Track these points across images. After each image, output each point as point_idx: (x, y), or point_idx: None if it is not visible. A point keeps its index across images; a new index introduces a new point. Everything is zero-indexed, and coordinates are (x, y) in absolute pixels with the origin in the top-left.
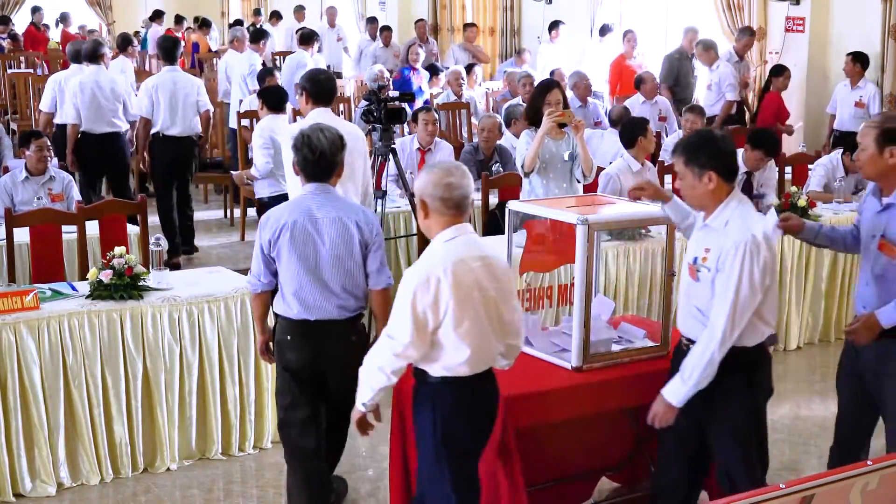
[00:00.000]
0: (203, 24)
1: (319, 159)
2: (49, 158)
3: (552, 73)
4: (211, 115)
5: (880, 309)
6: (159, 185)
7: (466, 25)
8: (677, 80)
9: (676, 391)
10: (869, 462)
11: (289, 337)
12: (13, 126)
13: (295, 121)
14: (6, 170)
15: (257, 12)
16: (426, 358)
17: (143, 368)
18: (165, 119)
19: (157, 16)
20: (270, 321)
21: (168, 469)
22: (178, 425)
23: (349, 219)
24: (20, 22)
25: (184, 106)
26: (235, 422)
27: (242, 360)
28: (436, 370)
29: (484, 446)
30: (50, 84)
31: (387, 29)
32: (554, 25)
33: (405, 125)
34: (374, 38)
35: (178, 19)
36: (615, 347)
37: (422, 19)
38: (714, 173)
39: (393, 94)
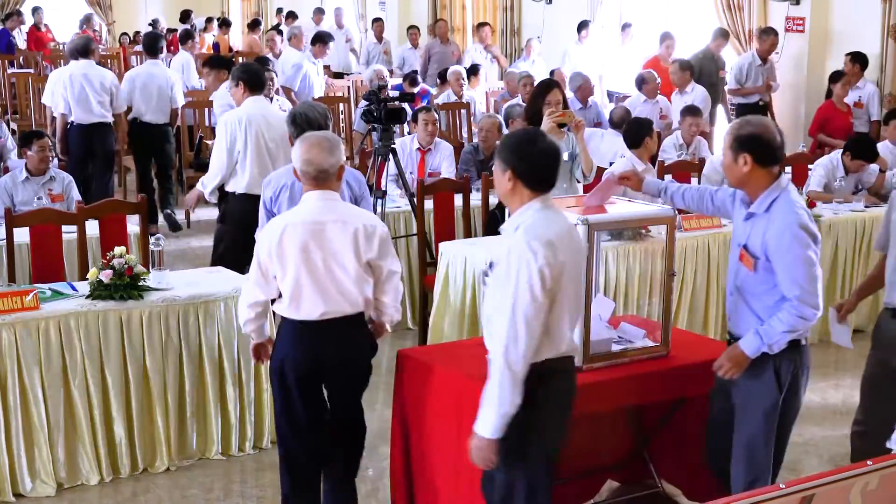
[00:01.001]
0: (223, 24)
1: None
2: (50, 158)
3: (551, 73)
4: (179, 111)
5: (742, 340)
6: (136, 163)
7: (480, 24)
8: (700, 81)
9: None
10: (869, 462)
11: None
12: (13, 126)
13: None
14: (6, 170)
15: (290, 14)
16: None
17: (143, 368)
18: (139, 107)
19: (185, 17)
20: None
21: (167, 469)
22: (178, 425)
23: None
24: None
25: (158, 97)
26: (235, 422)
27: (242, 360)
28: None
29: None
30: (51, 79)
31: (378, 21)
32: (583, 26)
33: (405, 125)
34: (380, 40)
35: (207, 19)
36: (615, 347)
37: (442, 19)
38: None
39: (393, 93)
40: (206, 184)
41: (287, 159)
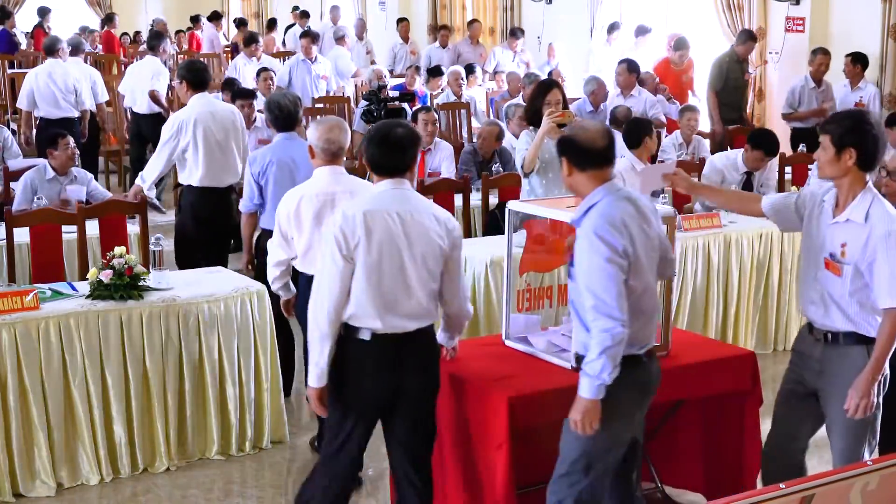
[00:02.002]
0: (240, 24)
1: (288, 116)
2: (74, 157)
3: (550, 73)
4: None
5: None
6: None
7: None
8: (725, 85)
9: None
10: (869, 462)
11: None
12: (13, 126)
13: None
14: (6, 171)
15: (305, 13)
16: None
17: (143, 368)
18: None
19: (214, 17)
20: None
21: (167, 469)
22: (178, 425)
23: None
24: (23, 22)
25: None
26: (235, 422)
27: (242, 360)
28: None
29: None
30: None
31: (403, 21)
32: (612, 28)
33: None
34: (406, 40)
35: (213, 17)
36: None
37: (476, 20)
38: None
39: (393, 93)
40: (146, 178)
41: (238, 147)
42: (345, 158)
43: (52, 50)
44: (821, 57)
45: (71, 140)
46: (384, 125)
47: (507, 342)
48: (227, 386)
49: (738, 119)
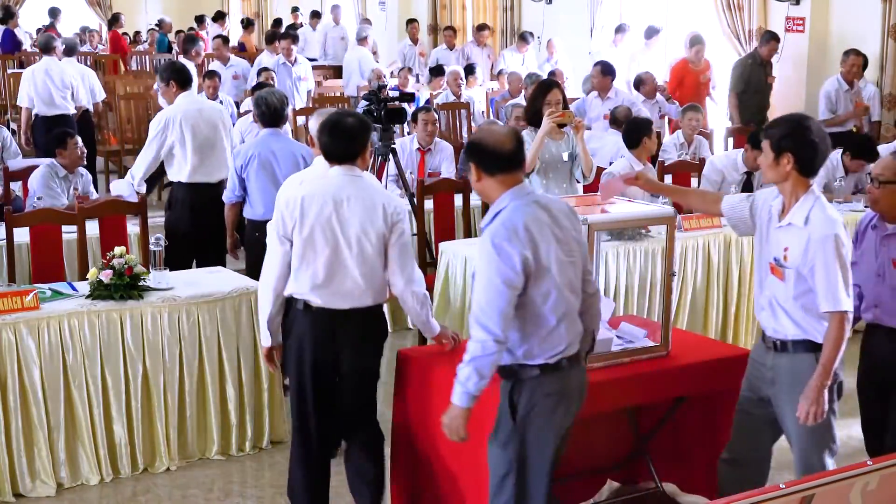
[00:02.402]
0: (248, 24)
1: (274, 112)
2: (83, 156)
3: (551, 73)
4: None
5: None
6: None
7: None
8: (747, 87)
9: None
10: (869, 462)
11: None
12: (13, 126)
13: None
14: (6, 171)
15: (315, 13)
16: None
17: (143, 368)
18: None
19: (219, 17)
20: None
21: (167, 469)
22: (178, 425)
23: (297, 151)
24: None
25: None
26: (235, 422)
27: (242, 360)
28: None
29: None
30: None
31: (412, 22)
32: (619, 29)
33: (405, 125)
34: (415, 41)
35: (200, 19)
36: (615, 347)
37: (486, 27)
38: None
39: (393, 93)
40: (135, 175)
41: (227, 143)
42: None
43: (47, 48)
44: (853, 58)
45: (79, 139)
46: (336, 115)
47: None
48: (227, 386)
49: (761, 122)
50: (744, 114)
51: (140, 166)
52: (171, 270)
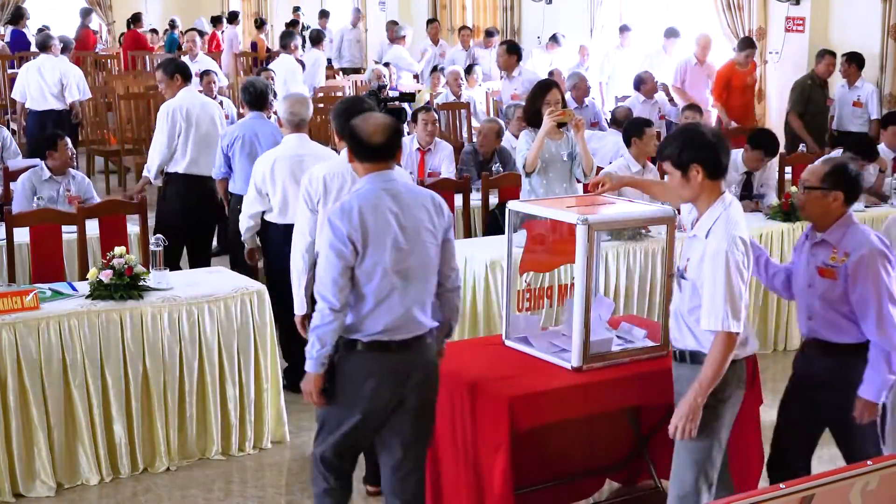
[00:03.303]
0: (261, 24)
1: (259, 95)
2: (72, 158)
3: (550, 73)
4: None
5: None
6: None
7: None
8: (807, 109)
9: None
10: (869, 462)
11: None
12: (13, 126)
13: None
14: (6, 171)
15: (324, 12)
16: None
17: (143, 368)
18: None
19: (233, 18)
20: None
21: (167, 469)
22: (178, 425)
23: (278, 134)
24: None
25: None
26: (235, 422)
27: (242, 360)
28: None
29: None
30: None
31: (433, 22)
32: (623, 29)
33: (405, 125)
34: (435, 42)
35: (217, 20)
36: (615, 347)
37: (496, 33)
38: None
39: (393, 93)
40: (150, 168)
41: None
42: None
43: (45, 46)
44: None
45: (69, 141)
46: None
47: (507, 342)
48: (228, 386)
49: (822, 144)
50: (812, 135)
51: (154, 159)
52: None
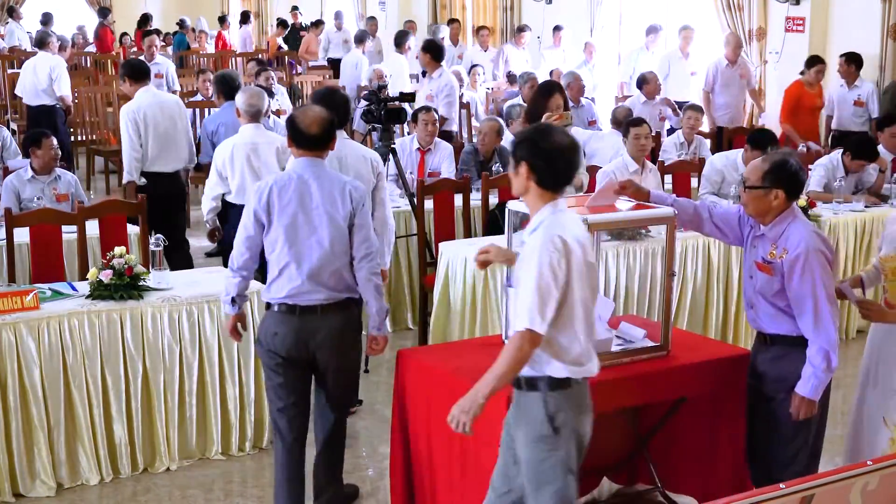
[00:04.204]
0: (280, 25)
1: (230, 86)
2: (57, 157)
3: (551, 73)
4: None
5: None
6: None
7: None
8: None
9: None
10: (869, 462)
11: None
12: (14, 126)
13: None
14: (6, 170)
15: (338, 13)
16: None
17: (143, 368)
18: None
19: (246, 18)
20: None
21: (167, 469)
22: (178, 425)
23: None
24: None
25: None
26: (235, 422)
27: (242, 360)
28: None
29: None
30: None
31: (454, 22)
32: (652, 30)
33: (405, 125)
34: (455, 42)
35: (223, 20)
36: (615, 347)
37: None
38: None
39: (393, 93)
40: (130, 171)
41: (185, 134)
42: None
43: (43, 43)
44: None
45: (54, 140)
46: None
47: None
48: (227, 386)
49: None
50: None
51: (128, 162)
52: None
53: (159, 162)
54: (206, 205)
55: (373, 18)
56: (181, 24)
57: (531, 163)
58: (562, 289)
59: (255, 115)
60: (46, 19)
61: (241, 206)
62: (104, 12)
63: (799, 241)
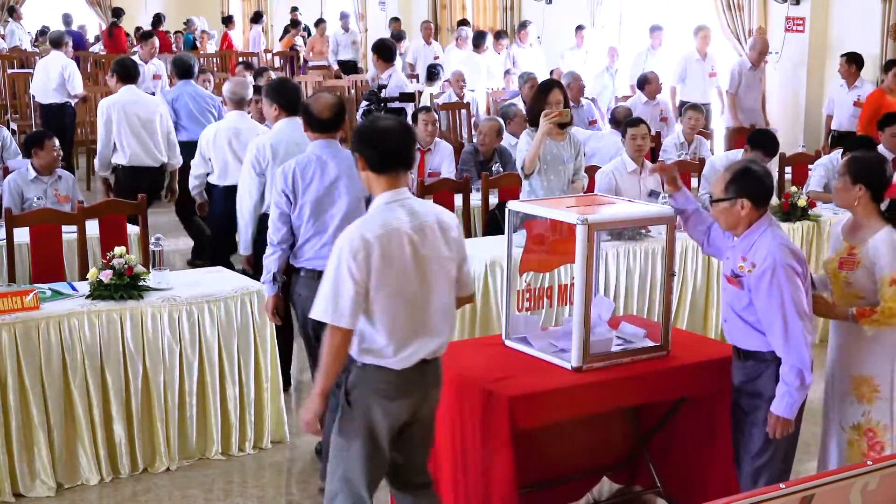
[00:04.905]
0: (293, 25)
1: (187, 67)
2: (59, 158)
3: (551, 72)
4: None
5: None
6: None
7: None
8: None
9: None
10: (869, 462)
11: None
12: (14, 126)
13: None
14: (6, 171)
15: (344, 14)
16: None
17: (143, 368)
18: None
19: (257, 18)
20: None
21: (167, 469)
22: (178, 425)
23: (204, 97)
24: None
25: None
26: (235, 422)
27: (242, 360)
28: None
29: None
30: None
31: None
32: (654, 30)
33: None
34: (427, 42)
35: (228, 20)
36: (615, 347)
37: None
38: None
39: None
40: (99, 164)
41: (161, 133)
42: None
43: (58, 42)
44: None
45: (56, 141)
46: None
47: (507, 342)
48: (228, 386)
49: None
50: None
51: (98, 156)
52: None
53: (140, 156)
54: (191, 182)
55: (397, 19)
56: (188, 23)
57: (363, 154)
58: (362, 284)
59: (239, 103)
60: (67, 21)
61: (224, 188)
62: (118, 12)
63: (766, 256)
